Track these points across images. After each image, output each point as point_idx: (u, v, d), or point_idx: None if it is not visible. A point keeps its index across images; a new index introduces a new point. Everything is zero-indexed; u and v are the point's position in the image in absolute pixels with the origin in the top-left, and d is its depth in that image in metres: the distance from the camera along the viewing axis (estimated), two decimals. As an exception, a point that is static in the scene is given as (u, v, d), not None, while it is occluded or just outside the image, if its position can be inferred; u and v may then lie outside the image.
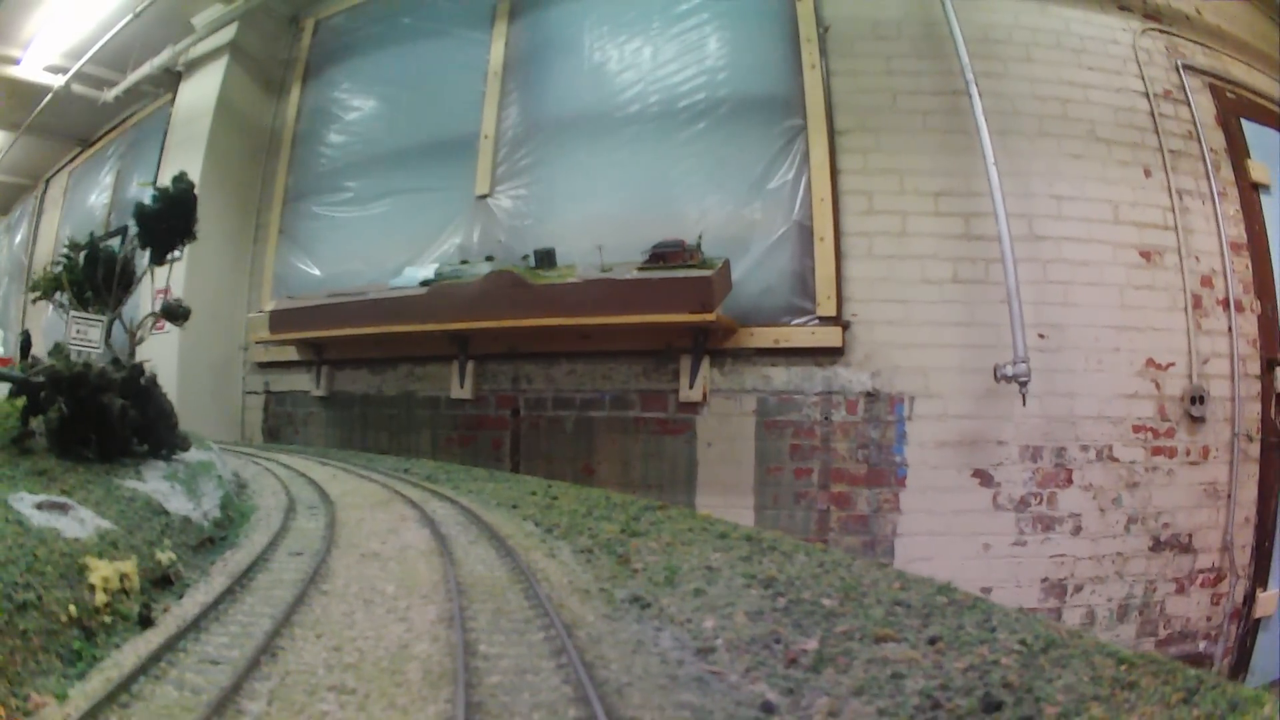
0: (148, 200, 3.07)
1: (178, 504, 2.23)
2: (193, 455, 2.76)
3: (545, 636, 1.51)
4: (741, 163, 4.24)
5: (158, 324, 3.49)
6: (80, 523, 1.77)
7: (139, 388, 2.50)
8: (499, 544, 2.26)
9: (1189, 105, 5.26)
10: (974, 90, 4.44)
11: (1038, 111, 4.70)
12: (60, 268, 3.30)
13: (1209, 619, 4.80)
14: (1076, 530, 4.41)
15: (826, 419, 4.06)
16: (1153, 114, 5.05)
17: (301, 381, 5.13)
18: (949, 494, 4.17)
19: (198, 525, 2.22)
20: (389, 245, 4.88)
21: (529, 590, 1.80)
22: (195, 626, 1.50)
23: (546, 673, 1.32)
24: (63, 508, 1.81)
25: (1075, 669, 1.44)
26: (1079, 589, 4.43)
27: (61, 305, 3.85)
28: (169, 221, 3.01)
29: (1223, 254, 4.98)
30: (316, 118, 5.64)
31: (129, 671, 1.26)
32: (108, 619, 1.50)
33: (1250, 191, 5.37)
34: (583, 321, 3.99)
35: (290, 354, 5.08)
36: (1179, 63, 5.39)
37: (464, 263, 4.40)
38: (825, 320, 4.08)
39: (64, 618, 1.39)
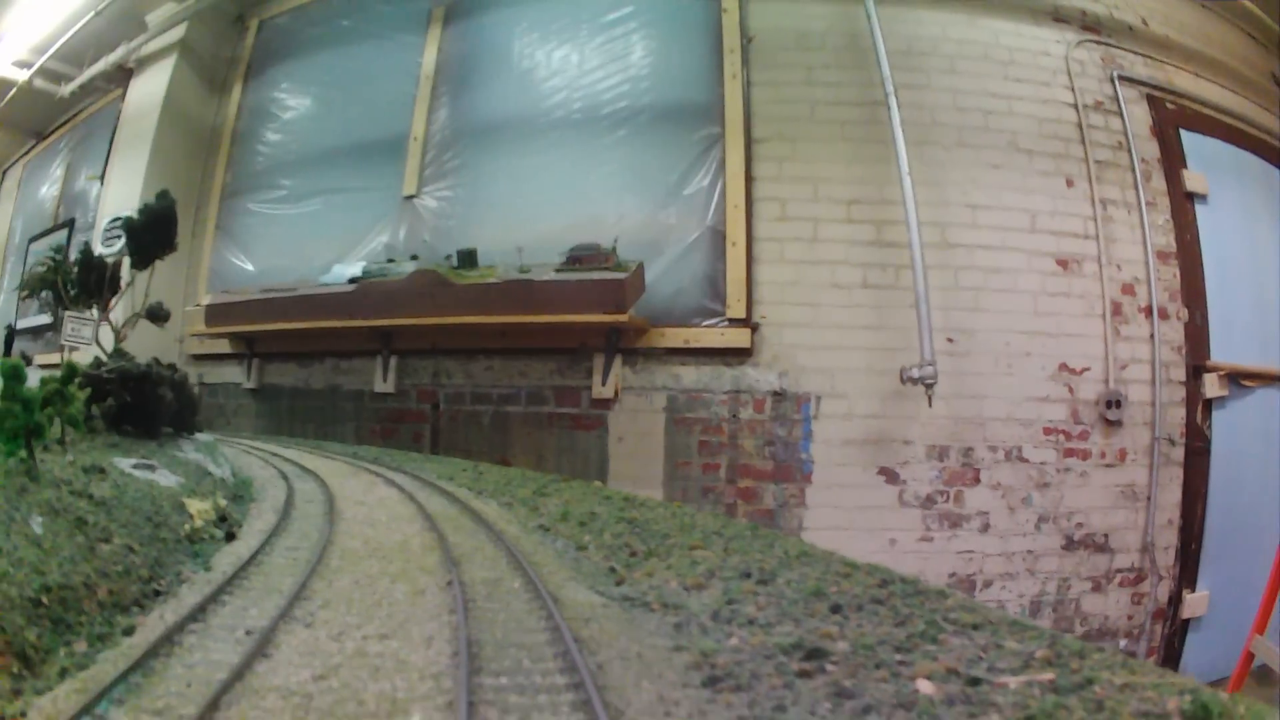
0: (134, 214, 3.77)
1: (213, 468, 2.99)
2: (203, 436, 3.50)
3: (487, 537, 2.44)
4: (659, 169, 4.63)
5: (101, 319, 4.01)
6: (164, 477, 2.56)
7: (175, 382, 3.27)
8: (448, 496, 3.12)
9: (1121, 116, 5.64)
10: (893, 101, 4.82)
11: (957, 122, 5.08)
12: (46, 269, 3.86)
13: (1130, 618, 5.15)
14: (985, 528, 4.78)
15: (734, 417, 4.45)
16: (1080, 125, 5.43)
17: (233, 374, 5.51)
18: (855, 490, 4.55)
19: (229, 484, 2.95)
20: (319, 243, 5.27)
21: (474, 517, 2.75)
22: (274, 533, 2.32)
23: (490, 550, 2.28)
24: (151, 467, 2.59)
25: (813, 566, 2.20)
26: (988, 584, 4.80)
27: (47, 303, 4.40)
28: (153, 233, 3.60)
29: (1147, 262, 5.35)
30: (256, 116, 6.03)
31: (248, 555, 2.06)
32: (205, 536, 2.27)
33: (1184, 201, 5.72)
34: (501, 320, 4.39)
35: (224, 347, 5.48)
36: (1114, 74, 5.76)
37: (390, 261, 4.79)
38: (735, 322, 4.47)
39: (181, 534, 2.18)
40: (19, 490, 1.77)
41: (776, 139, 4.76)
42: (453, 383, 4.80)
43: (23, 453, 1.90)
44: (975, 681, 1.42)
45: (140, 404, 2.94)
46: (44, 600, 1.45)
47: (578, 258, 4.36)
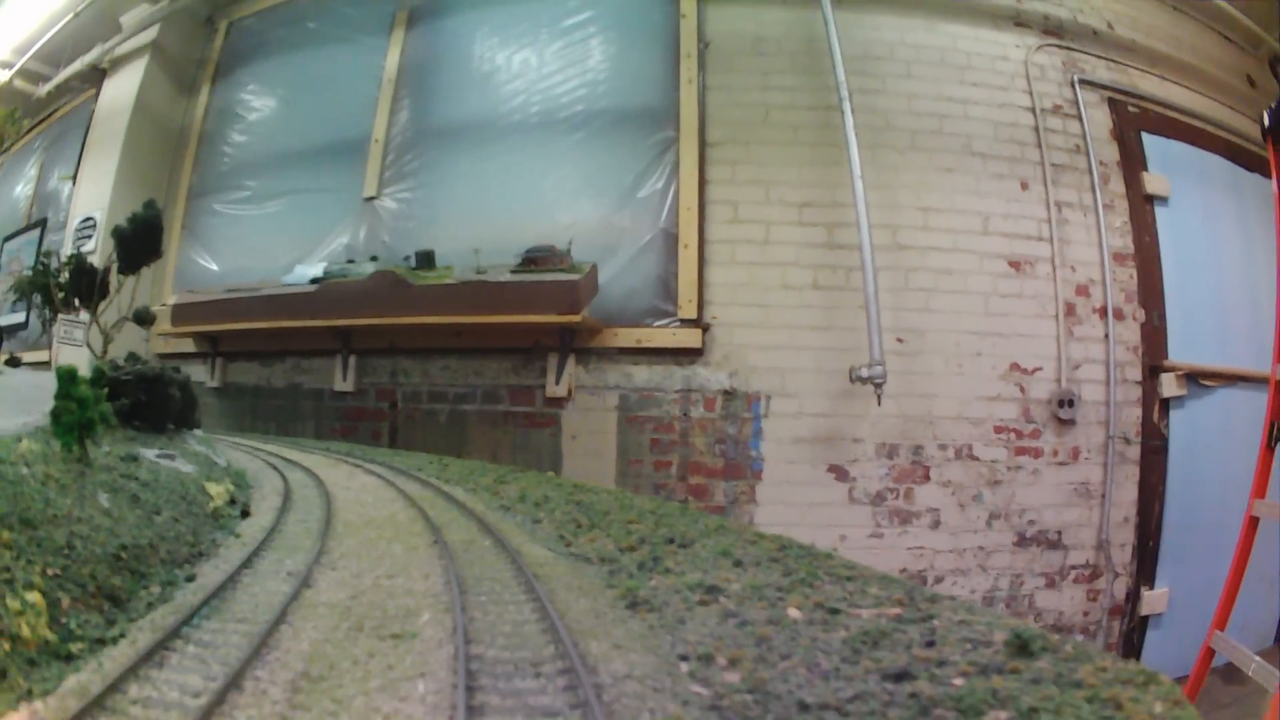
0: (122, 222, 4.13)
1: (217, 458, 3.34)
2: (198, 432, 3.83)
3: (459, 512, 2.83)
4: (615, 172, 4.81)
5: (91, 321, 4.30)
6: (183, 465, 2.88)
7: (181, 383, 3.61)
8: (421, 482, 3.50)
9: (1080, 120, 5.80)
10: (846, 106, 4.97)
11: (911, 126, 5.24)
12: (36, 272, 4.15)
13: (1086, 614, 5.30)
14: (935, 524, 4.94)
15: (685, 415, 4.63)
16: (1037, 128, 5.60)
17: (197, 373, 5.62)
18: (805, 488, 4.71)
19: (230, 472, 3.24)
20: (282, 243, 5.42)
21: (446, 497, 3.13)
22: (283, 510, 2.69)
23: (463, 521, 2.68)
24: (171, 456, 2.92)
25: (727, 536, 2.62)
26: (940, 580, 4.96)
27: (35, 305, 4.68)
28: (141, 241, 3.90)
29: (1103, 264, 5.51)
30: (222, 117, 6.18)
31: (270, 525, 2.46)
32: (225, 513, 2.60)
33: (1144, 203, 5.88)
34: (458, 320, 4.57)
35: (188, 346, 5.65)
36: (1075, 78, 5.92)
37: (350, 262, 4.96)
38: (686, 322, 4.64)
39: (207, 510, 2.53)
40: (80, 474, 2.13)
41: (730, 143, 4.93)
42: (410, 381, 4.98)
43: (77, 445, 2.24)
44: (835, 611, 1.81)
45: (153, 402, 3.29)
46: (122, 555, 1.84)
47: (533, 259, 4.53)
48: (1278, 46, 7.31)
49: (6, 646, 1.31)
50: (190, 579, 1.90)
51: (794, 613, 1.80)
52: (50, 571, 1.56)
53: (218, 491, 2.70)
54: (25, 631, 1.37)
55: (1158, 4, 6.81)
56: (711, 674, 1.41)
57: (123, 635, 1.49)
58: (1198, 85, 6.64)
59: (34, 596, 1.44)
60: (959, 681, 1.40)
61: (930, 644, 1.59)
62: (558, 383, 4.62)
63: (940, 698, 1.33)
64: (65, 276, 4.53)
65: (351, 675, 1.32)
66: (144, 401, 3.23)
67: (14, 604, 1.39)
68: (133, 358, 3.56)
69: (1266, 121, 4.03)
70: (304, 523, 2.55)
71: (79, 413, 2.21)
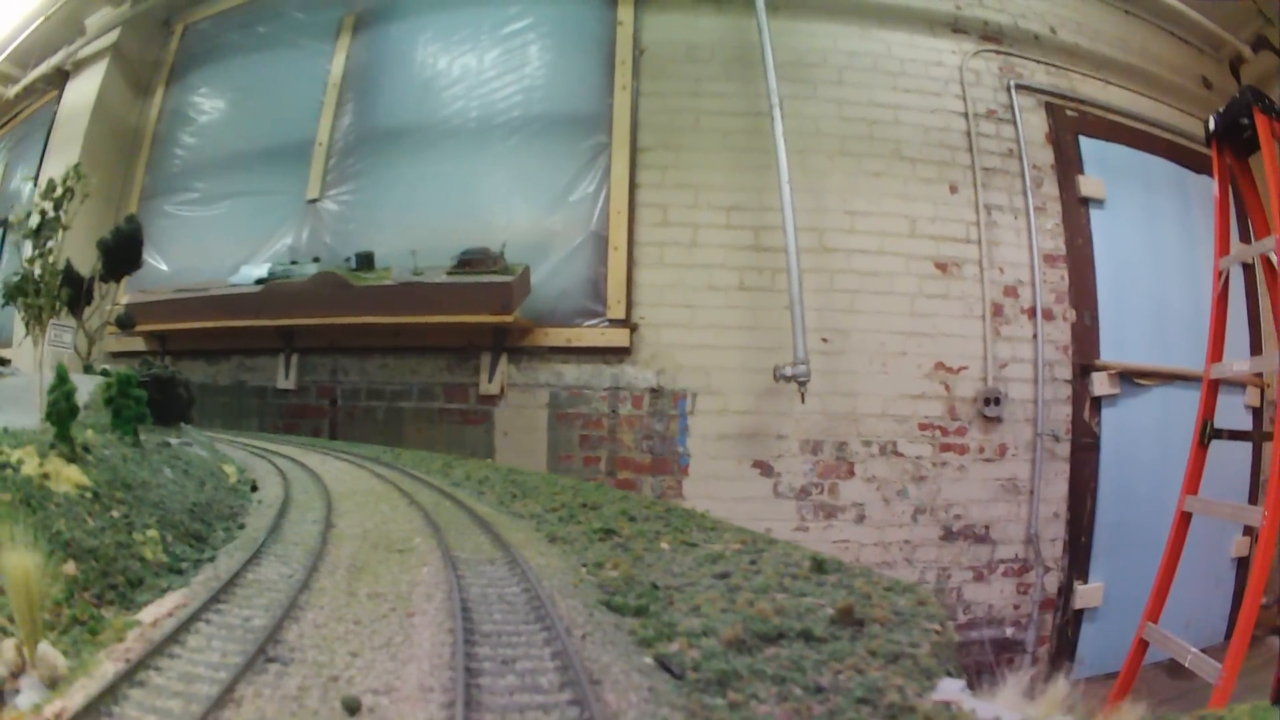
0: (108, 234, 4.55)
1: (215, 446, 3.78)
2: (191, 427, 4.18)
3: (422, 485, 3.45)
4: (548, 176, 5.01)
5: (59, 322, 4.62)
6: (200, 451, 3.33)
7: (185, 384, 4.06)
8: (386, 465, 4.03)
9: (1014, 124, 5.99)
10: (776, 113, 5.15)
11: (841, 132, 5.44)
12: (21, 277, 4.41)
13: (1016, 607, 5.48)
14: (860, 518, 5.15)
15: (614, 412, 4.84)
16: (969, 133, 5.79)
17: (147, 371, 5.90)
18: (730, 482, 4.92)
19: (229, 457, 3.66)
20: (228, 244, 5.59)
21: (409, 475, 3.73)
22: (289, 486, 3.19)
23: (427, 491, 3.31)
24: (189, 444, 3.35)
25: (629, 503, 3.26)
26: (865, 573, 5.19)
27: (18, 308, 4.90)
28: (123, 252, 4.20)
29: (1032, 265, 5.71)
30: (175, 119, 6.32)
31: (283, 493, 3.02)
32: (238, 489, 3.06)
33: (1078, 205, 6.06)
34: (395, 320, 4.79)
35: (138, 345, 5.85)
36: (1011, 83, 6.10)
37: (294, 263, 5.15)
38: (615, 322, 4.84)
39: (228, 486, 3.02)
40: (141, 455, 2.68)
41: (661, 148, 5.13)
42: (349, 379, 5.18)
43: (132, 434, 2.74)
44: (693, 545, 2.58)
45: (164, 400, 3.74)
46: (194, 509, 2.47)
47: (468, 261, 4.74)
48: (1241, 47, 7.45)
49: (139, 564, 1.93)
50: (241, 527, 2.52)
51: (664, 546, 2.57)
52: (154, 518, 2.21)
53: (230, 470, 3.22)
54: (149, 555, 2.01)
55: (1107, 8, 6.92)
56: (600, 572, 2.21)
57: (213, 558, 2.14)
58: (1145, 88, 6.77)
59: (152, 533, 2.11)
60: (760, 579, 2.13)
61: (753, 563, 2.33)
62: (490, 381, 4.84)
63: (744, 585, 2.08)
64: (48, 282, 4.80)
65: (381, 566, 2.12)
66: (157, 400, 3.55)
67: (139, 537, 2.05)
68: (146, 362, 4.03)
69: (1212, 125, 4.22)
70: (306, 492, 3.13)
71: (135, 408, 2.78)
